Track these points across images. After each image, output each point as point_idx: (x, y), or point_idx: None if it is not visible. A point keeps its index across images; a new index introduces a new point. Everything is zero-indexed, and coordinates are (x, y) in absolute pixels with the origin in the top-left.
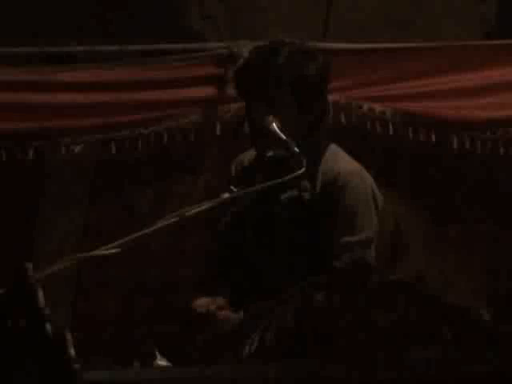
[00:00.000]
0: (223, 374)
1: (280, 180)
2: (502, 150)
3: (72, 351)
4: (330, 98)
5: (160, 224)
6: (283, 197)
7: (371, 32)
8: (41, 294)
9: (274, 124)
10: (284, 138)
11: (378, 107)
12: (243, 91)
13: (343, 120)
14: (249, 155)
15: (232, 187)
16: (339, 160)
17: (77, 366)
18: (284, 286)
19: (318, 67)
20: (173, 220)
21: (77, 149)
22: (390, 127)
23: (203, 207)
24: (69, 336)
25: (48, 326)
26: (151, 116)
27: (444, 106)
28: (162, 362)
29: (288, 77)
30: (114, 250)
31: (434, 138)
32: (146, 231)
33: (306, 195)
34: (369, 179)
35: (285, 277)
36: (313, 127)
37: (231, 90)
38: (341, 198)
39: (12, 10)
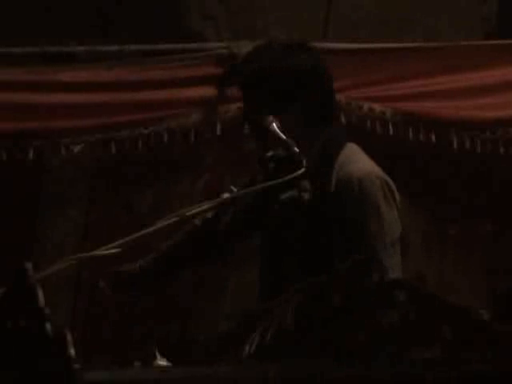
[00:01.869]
0: (223, 374)
1: (280, 180)
2: (502, 150)
3: (72, 351)
4: None
5: (160, 224)
6: (283, 197)
7: (371, 32)
8: (41, 294)
9: (274, 124)
10: (284, 137)
11: (377, 107)
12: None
13: (343, 120)
14: None
15: (232, 187)
16: (354, 161)
17: (77, 366)
18: (285, 286)
19: (287, 68)
20: (173, 220)
21: (77, 149)
22: (390, 127)
23: (203, 207)
24: (69, 336)
25: (48, 326)
26: (151, 116)
27: (444, 106)
28: (162, 361)
29: (248, 78)
30: (114, 250)
31: (433, 138)
32: (146, 231)
33: (306, 195)
34: (384, 179)
35: (286, 277)
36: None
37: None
38: (357, 202)
39: (12, 10)
